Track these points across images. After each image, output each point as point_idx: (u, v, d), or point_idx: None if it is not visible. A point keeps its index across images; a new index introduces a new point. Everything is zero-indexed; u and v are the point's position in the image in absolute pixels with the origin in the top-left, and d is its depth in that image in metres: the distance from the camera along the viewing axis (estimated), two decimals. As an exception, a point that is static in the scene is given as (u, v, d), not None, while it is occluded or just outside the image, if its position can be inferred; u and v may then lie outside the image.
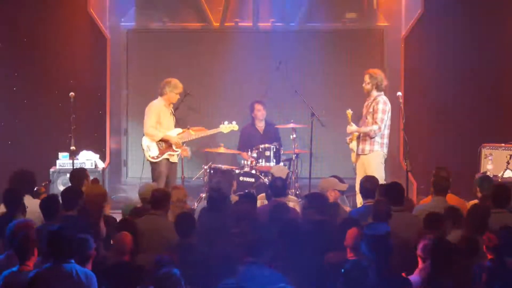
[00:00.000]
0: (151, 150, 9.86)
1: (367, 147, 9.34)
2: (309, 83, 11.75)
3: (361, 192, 7.93)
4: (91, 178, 8.61)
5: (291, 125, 10.60)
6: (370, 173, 8.95)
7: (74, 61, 11.33)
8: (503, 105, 11.21)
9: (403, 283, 5.76)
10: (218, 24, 12.12)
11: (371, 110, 9.33)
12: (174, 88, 9.89)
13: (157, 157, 9.83)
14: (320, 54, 11.91)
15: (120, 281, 5.80)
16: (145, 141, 9.93)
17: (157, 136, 9.84)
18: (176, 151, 9.92)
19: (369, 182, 7.89)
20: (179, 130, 10.02)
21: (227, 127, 10.29)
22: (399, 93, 9.58)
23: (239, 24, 12.07)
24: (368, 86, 9.39)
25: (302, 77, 11.68)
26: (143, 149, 9.96)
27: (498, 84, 11.27)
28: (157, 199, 7.39)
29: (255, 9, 12.08)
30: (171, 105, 10.02)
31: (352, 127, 9.34)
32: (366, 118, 9.34)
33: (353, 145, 9.45)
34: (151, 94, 11.84)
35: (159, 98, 9.97)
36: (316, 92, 11.65)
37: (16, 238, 5.93)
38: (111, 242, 6.66)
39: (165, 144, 9.86)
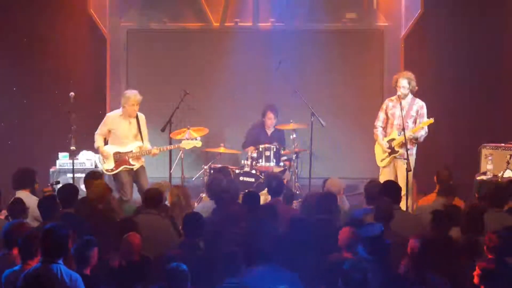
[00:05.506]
0: (106, 163, 9.68)
1: (408, 151, 9.42)
2: (309, 83, 11.75)
3: (365, 196, 7.91)
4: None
5: (291, 125, 10.59)
6: (401, 177, 8.98)
7: (74, 61, 11.32)
8: (503, 105, 11.20)
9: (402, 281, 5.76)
10: (218, 24, 12.13)
11: (413, 114, 9.49)
12: (126, 100, 9.61)
13: (112, 170, 9.63)
14: (320, 54, 11.92)
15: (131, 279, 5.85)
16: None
17: (95, 143, 9.75)
18: (132, 165, 9.61)
19: (374, 186, 7.86)
20: (138, 144, 9.65)
21: (189, 143, 9.91)
22: (399, 93, 9.58)
23: (239, 24, 12.07)
24: (407, 91, 9.53)
25: (302, 77, 11.68)
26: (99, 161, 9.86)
27: (498, 84, 11.26)
28: (148, 197, 7.46)
29: (255, 9, 12.09)
30: (130, 117, 9.65)
31: (422, 132, 9.47)
32: (406, 122, 9.39)
33: (380, 149, 9.52)
34: (151, 94, 11.86)
35: (119, 109, 9.75)
36: (316, 92, 11.64)
37: (20, 237, 5.93)
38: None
39: (120, 157, 9.62)
